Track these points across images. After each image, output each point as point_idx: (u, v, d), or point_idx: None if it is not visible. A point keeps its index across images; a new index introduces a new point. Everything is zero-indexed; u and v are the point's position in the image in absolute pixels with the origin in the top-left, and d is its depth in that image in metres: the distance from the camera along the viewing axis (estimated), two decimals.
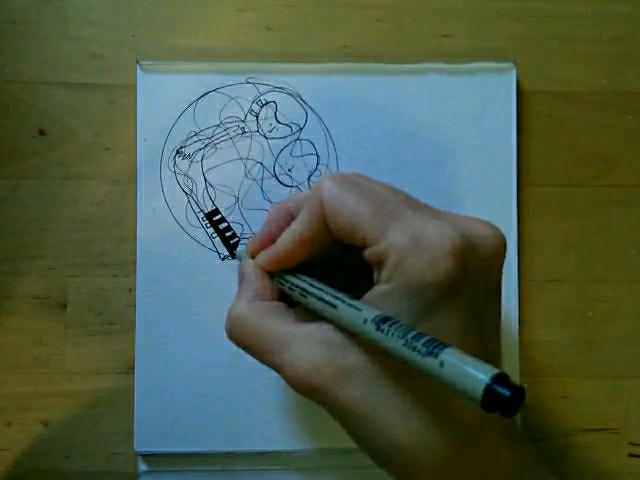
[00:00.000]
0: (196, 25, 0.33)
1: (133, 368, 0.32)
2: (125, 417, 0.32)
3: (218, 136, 0.32)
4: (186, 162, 0.32)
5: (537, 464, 0.23)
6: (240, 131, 0.32)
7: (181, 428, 0.31)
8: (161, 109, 0.32)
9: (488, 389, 0.16)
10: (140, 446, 0.31)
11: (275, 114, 0.32)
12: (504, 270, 0.23)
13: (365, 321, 0.20)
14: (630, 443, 0.33)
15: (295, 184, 0.32)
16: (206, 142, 0.32)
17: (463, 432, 0.22)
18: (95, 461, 0.32)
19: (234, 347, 0.31)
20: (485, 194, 0.32)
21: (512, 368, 0.32)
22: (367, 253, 0.23)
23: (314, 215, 0.24)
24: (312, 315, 0.24)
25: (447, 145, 0.33)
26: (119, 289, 0.33)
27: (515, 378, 0.32)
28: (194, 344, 0.32)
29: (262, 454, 0.32)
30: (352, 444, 0.31)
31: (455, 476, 0.22)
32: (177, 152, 0.32)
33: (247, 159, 0.32)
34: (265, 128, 0.32)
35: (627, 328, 0.33)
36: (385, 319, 0.20)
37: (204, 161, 0.32)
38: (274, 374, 0.31)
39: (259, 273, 0.26)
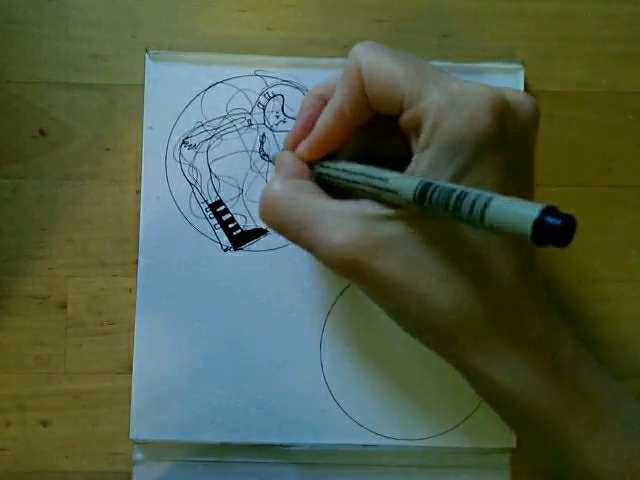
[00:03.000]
0: (196, 26, 0.33)
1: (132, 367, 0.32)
2: (125, 417, 0.31)
3: (224, 127, 0.32)
4: (192, 152, 0.32)
5: (566, 327, 0.24)
6: (247, 123, 0.32)
7: (178, 417, 0.31)
8: (168, 99, 0.32)
9: (539, 222, 0.17)
10: (136, 434, 0.31)
11: (282, 107, 0.32)
12: None
13: (409, 191, 0.20)
14: None
15: None
16: (212, 133, 0.32)
17: (500, 292, 0.22)
18: (95, 461, 0.32)
19: (234, 339, 0.31)
20: None
21: None
22: (404, 117, 0.23)
23: (352, 85, 0.24)
24: (346, 196, 0.24)
25: None
26: (119, 289, 0.33)
27: None
28: (193, 335, 0.32)
29: (258, 446, 0.32)
30: (349, 440, 0.31)
31: (493, 336, 0.22)
32: (183, 142, 0.32)
33: (253, 151, 0.32)
34: (271, 121, 0.32)
35: (628, 329, 0.33)
36: (427, 186, 0.20)
37: (210, 152, 0.32)
38: (272, 367, 0.32)
39: (296, 159, 0.26)
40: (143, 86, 0.32)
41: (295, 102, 0.32)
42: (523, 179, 0.23)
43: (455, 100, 0.22)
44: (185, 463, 0.32)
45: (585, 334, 0.33)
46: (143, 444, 0.32)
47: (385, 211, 0.22)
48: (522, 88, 0.32)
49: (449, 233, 0.22)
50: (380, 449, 0.32)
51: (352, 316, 0.32)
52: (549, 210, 0.17)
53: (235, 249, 0.32)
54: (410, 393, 0.32)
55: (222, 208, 0.32)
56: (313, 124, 0.26)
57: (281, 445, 0.32)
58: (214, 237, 0.32)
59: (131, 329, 0.32)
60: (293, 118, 0.32)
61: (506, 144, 0.22)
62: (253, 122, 0.32)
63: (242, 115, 0.32)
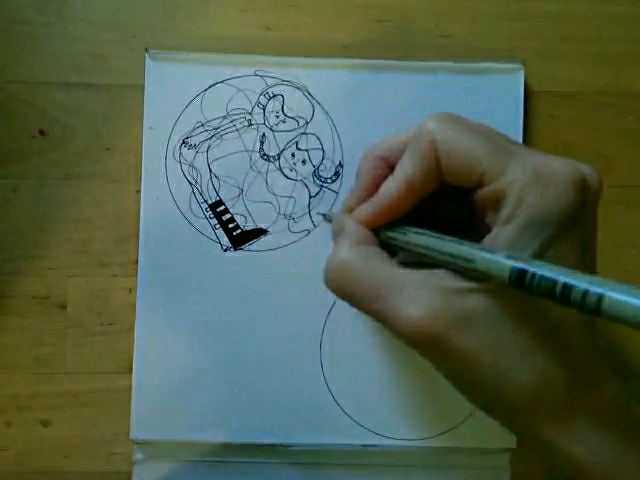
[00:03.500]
0: (196, 25, 0.33)
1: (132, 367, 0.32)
2: (125, 417, 0.31)
3: (224, 127, 0.32)
4: (192, 152, 0.32)
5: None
6: (247, 123, 0.32)
7: (178, 417, 0.31)
8: (168, 99, 0.32)
9: None
10: (136, 434, 0.31)
11: (282, 107, 0.32)
12: None
13: (502, 273, 0.20)
14: None
15: (300, 177, 0.32)
16: (212, 133, 0.32)
17: (580, 366, 0.22)
18: (95, 461, 0.32)
19: (234, 339, 0.32)
20: None
21: None
22: (484, 192, 0.23)
23: (424, 158, 0.23)
24: (418, 263, 0.23)
25: None
26: (119, 289, 0.33)
27: None
28: (193, 335, 0.32)
29: (258, 446, 0.32)
30: (349, 440, 0.31)
31: (571, 409, 0.22)
32: (183, 142, 0.32)
33: (253, 151, 0.32)
34: (271, 121, 0.32)
35: (627, 329, 0.33)
36: (523, 271, 0.19)
37: (210, 152, 0.32)
38: (272, 367, 0.32)
39: (359, 224, 0.25)
40: (143, 86, 0.32)
41: (295, 102, 0.32)
42: (593, 250, 0.23)
43: (539, 176, 0.22)
44: (185, 463, 0.32)
45: None
46: (143, 444, 0.32)
47: (464, 284, 0.22)
48: (522, 87, 0.32)
49: (529, 306, 0.22)
50: (380, 449, 0.32)
51: (352, 316, 0.32)
52: None
53: (235, 249, 0.32)
54: (410, 393, 0.32)
55: (222, 208, 0.32)
56: (376, 188, 0.25)
57: (281, 445, 0.32)
58: (214, 237, 0.32)
59: (131, 329, 0.32)
60: (293, 118, 0.32)
61: (584, 218, 0.22)
62: (253, 122, 0.32)
63: (242, 115, 0.32)
